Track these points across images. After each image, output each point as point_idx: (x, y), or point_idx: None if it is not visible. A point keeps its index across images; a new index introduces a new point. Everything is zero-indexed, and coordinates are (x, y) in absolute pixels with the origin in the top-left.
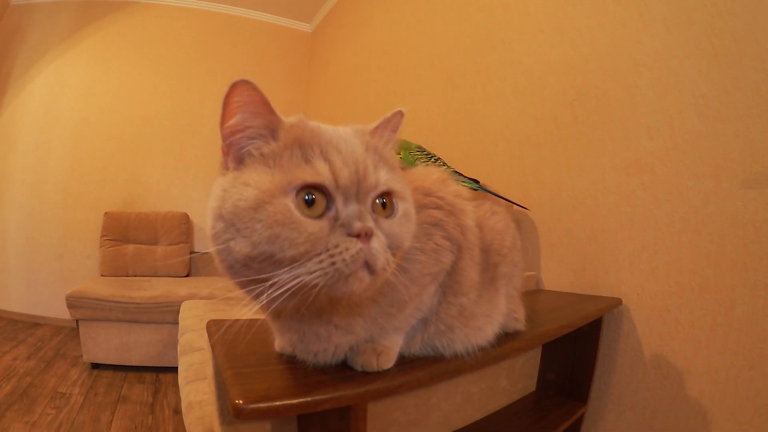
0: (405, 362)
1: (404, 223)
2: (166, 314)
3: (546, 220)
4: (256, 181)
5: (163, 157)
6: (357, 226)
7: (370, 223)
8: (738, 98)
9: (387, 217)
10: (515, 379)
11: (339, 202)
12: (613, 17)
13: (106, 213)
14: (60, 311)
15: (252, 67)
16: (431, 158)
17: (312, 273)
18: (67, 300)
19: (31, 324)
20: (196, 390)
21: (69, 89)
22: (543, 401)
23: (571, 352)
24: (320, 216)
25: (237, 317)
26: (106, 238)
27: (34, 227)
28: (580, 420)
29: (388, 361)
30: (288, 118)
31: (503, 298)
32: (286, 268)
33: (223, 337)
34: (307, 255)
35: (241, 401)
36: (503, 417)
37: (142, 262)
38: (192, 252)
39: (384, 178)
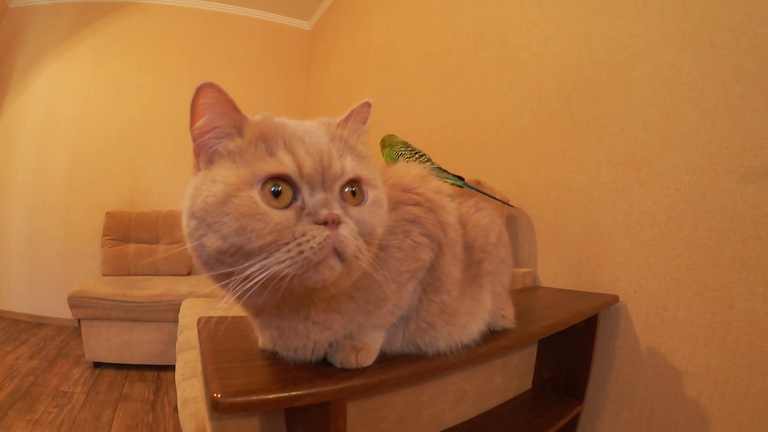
0: (386, 359)
1: (375, 209)
2: (167, 313)
3: (542, 215)
4: (223, 176)
5: (163, 156)
6: (323, 213)
7: (337, 210)
8: (736, 90)
9: (357, 204)
10: (510, 377)
11: (305, 191)
12: (607, 8)
13: (107, 213)
14: (62, 311)
15: (251, 65)
16: (416, 154)
17: (281, 263)
18: (68, 300)
19: (34, 324)
20: (192, 387)
21: (69, 90)
22: (539, 399)
23: (567, 350)
24: (287, 206)
25: (225, 314)
26: (107, 237)
27: (36, 227)
28: (576, 419)
29: (368, 358)
30: (253, 117)
31: (488, 295)
32: (256, 260)
33: (211, 333)
34: (274, 245)
35: (219, 395)
36: (497, 415)
37: (144, 261)
38: None
39: (350, 166)
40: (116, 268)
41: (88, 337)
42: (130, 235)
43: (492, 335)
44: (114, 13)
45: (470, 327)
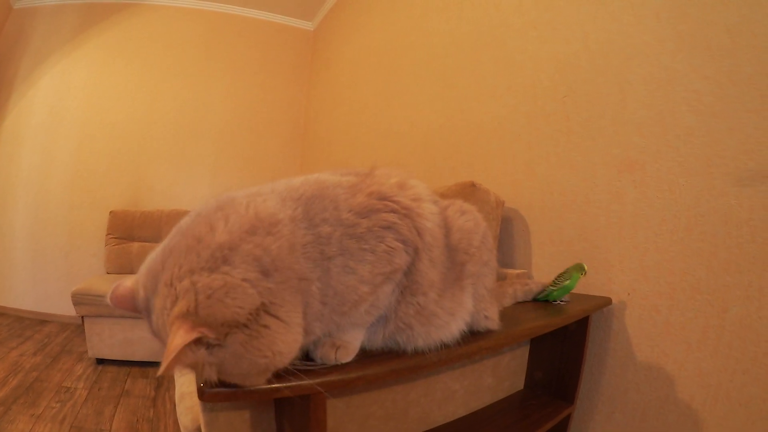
0: (366, 356)
1: None
2: None
3: (537, 217)
4: None
5: (167, 156)
6: None
7: None
8: (732, 92)
9: None
10: (501, 377)
11: None
12: (605, 10)
13: (111, 211)
14: (66, 308)
15: (254, 65)
16: None
17: None
18: (72, 297)
19: (38, 321)
20: (189, 381)
21: (73, 90)
22: (530, 400)
23: (559, 351)
24: None
25: None
26: (111, 236)
27: (40, 226)
28: (567, 420)
29: (347, 355)
30: None
31: (469, 297)
32: None
33: None
34: None
35: (204, 385)
36: (486, 415)
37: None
38: None
39: None
40: (120, 266)
41: (92, 334)
42: (134, 234)
43: (474, 336)
44: (118, 14)
45: (450, 327)
